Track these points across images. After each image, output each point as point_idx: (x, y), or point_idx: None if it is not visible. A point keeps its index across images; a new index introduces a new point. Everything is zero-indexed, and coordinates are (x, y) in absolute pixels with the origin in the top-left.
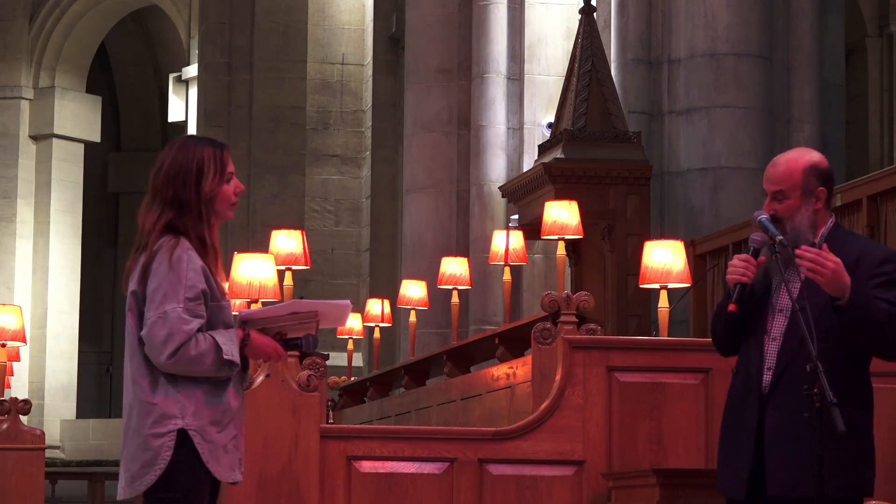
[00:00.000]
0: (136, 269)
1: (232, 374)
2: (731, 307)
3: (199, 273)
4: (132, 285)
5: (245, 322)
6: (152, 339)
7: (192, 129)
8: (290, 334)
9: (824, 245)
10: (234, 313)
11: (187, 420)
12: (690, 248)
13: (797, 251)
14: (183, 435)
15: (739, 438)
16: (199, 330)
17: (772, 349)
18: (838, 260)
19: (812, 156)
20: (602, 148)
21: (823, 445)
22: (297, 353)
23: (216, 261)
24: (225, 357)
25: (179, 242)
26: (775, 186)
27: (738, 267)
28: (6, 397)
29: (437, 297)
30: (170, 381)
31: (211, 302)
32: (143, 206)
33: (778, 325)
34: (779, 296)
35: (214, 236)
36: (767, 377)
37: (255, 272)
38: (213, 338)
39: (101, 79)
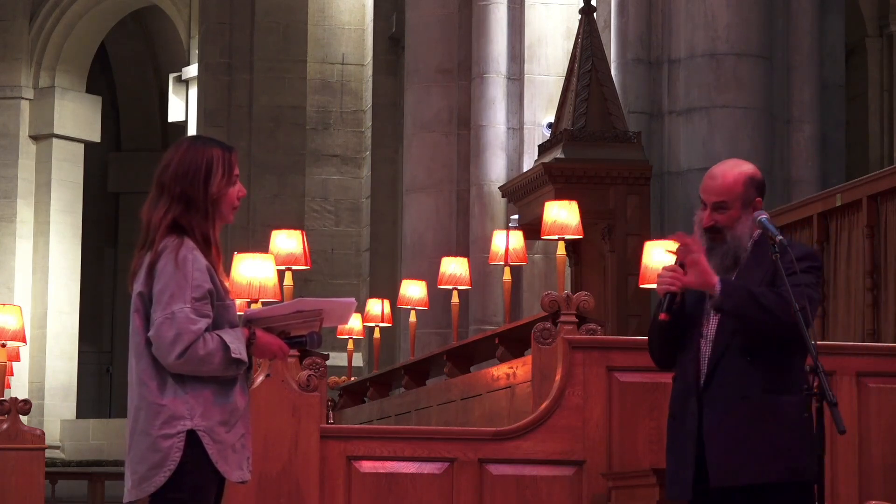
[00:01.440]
0: (142, 269)
1: (239, 372)
2: (662, 316)
3: (205, 272)
4: (138, 286)
5: (250, 321)
6: (160, 339)
7: (192, 129)
8: (295, 332)
9: (694, 237)
10: (238, 313)
11: (196, 421)
12: None
13: (659, 277)
14: (191, 435)
15: (682, 441)
16: (206, 329)
17: (707, 350)
18: (700, 257)
19: (748, 167)
20: (602, 148)
21: (755, 434)
22: (301, 349)
23: (219, 260)
24: (233, 356)
25: (184, 242)
26: (717, 197)
27: (666, 277)
28: (6, 397)
29: (437, 297)
30: (178, 382)
31: (216, 301)
32: (149, 203)
33: (711, 328)
34: (711, 302)
35: (217, 238)
36: (703, 377)
37: (255, 272)
38: (221, 337)
39: (101, 79)
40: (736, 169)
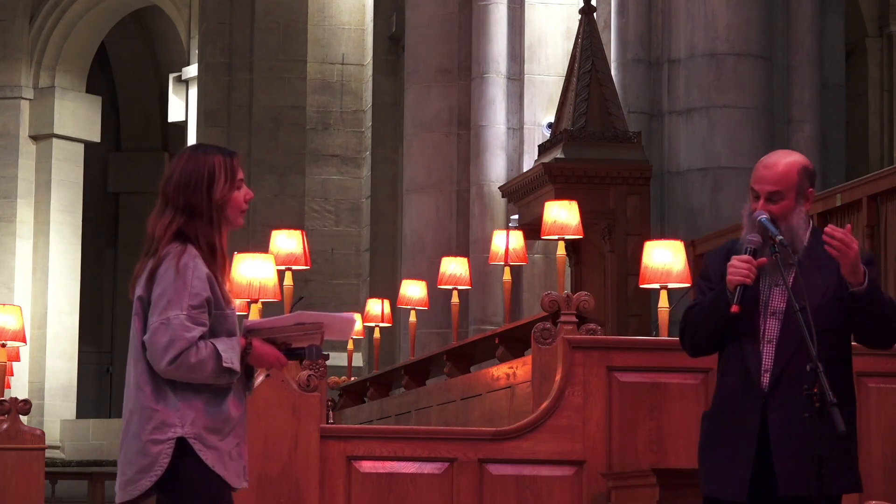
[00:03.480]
0: (144, 273)
1: (232, 382)
2: (734, 308)
3: (205, 281)
4: (138, 290)
5: (249, 331)
6: (154, 344)
7: (192, 129)
8: (295, 344)
9: (847, 226)
10: (242, 314)
11: (186, 429)
12: (690, 248)
13: (827, 228)
14: (184, 444)
15: (738, 439)
16: (202, 338)
17: (768, 351)
18: (858, 244)
19: (801, 157)
20: (602, 148)
21: (823, 445)
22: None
23: (224, 267)
24: (224, 365)
25: (187, 249)
26: (772, 187)
27: (741, 268)
28: (6, 397)
29: (437, 297)
30: (172, 389)
31: (215, 310)
32: (154, 214)
33: (772, 328)
34: (770, 298)
35: (224, 242)
36: (766, 379)
37: (255, 272)
38: (214, 346)
39: (101, 79)
40: (790, 158)
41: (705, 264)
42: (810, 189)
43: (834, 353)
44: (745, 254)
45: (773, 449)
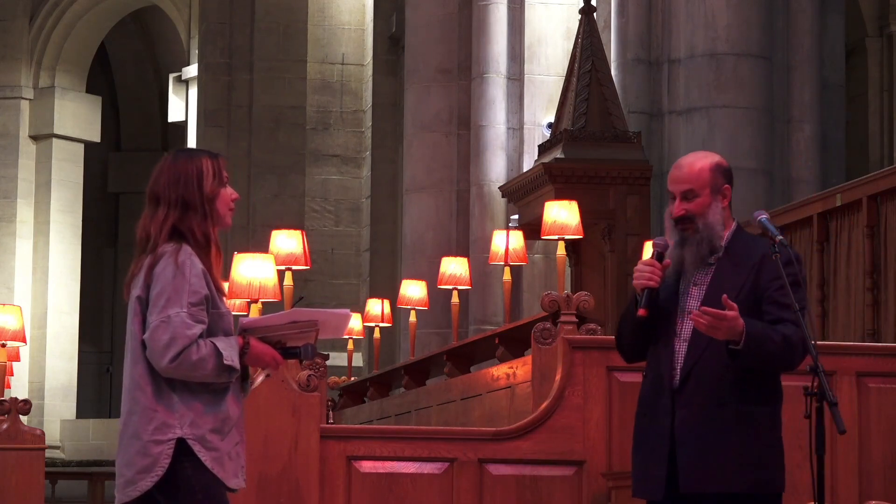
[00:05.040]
0: (141, 273)
1: (231, 380)
2: (641, 312)
3: (201, 278)
4: (137, 291)
5: (245, 330)
6: (154, 342)
7: (192, 129)
8: (290, 343)
9: (724, 296)
10: (236, 314)
11: (185, 430)
12: None
13: (694, 313)
14: (184, 445)
15: (653, 439)
16: (201, 336)
17: (682, 349)
18: (735, 312)
19: (714, 156)
20: (602, 148)
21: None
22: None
23: (218, 260)
24: (225, 362)
25: (182, 248)
26: (685, 185)
27: (645, 272)
28: (6, 397)
29: (437, 297)
30: (172, 389)
31: (211, 309)
32: (144, 217)
33: (688, 327)
34: (687, 299)
35: (216, 238)
36: (677, 377)
37: (255, 272)
38: (214, 343)
39: (101, 79)
40: (702, 158)
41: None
42: (726, 185)
43: None
44: (653, 257)
45: (677, 447)
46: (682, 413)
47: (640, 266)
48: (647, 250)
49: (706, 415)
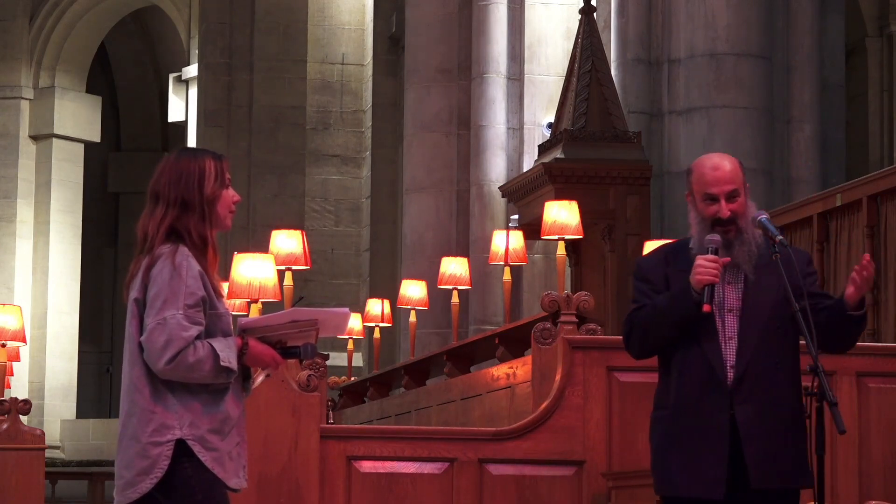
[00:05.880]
0: (138, 274)
1: (230, 381)
2: (706, 308)
3: (198, 280)
4: (134, 293)
5: (245, 330)
6: (151, 344)
7: (192, 129)
8: (290, 342)
9: (866, 255)
10: (235, 314)
11: (185, 431)
12: None
13: (865, 262)
14: (183, 446)
15: (706, 437)
16: (199, 337)
17: (730, 348)
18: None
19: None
20: (602, 148)
21: (789, 440)
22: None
23: (215, 262)
24: (222, 364)
25: (179, 249)
26: (730, 186)
27: (709, 268)
28: (6, 397)
29: (437, 297)
30: (170, 391)
31: (210, 310)
32: (145, 214)
33: (731, 325)
34: (725, 295)
35: (214, 240)
36: (731, 375)
37: (255, 272)
38: (212, 345)
39: (101, 79)
40: (727, 157)
41: (642, 268)
42: (748, 184)
43: (787, 352)
44: (710, 253)
45: (743, 443)
46: (743, 410)
47: (701, 262)
48: (647, 250)
49: (768, 412)
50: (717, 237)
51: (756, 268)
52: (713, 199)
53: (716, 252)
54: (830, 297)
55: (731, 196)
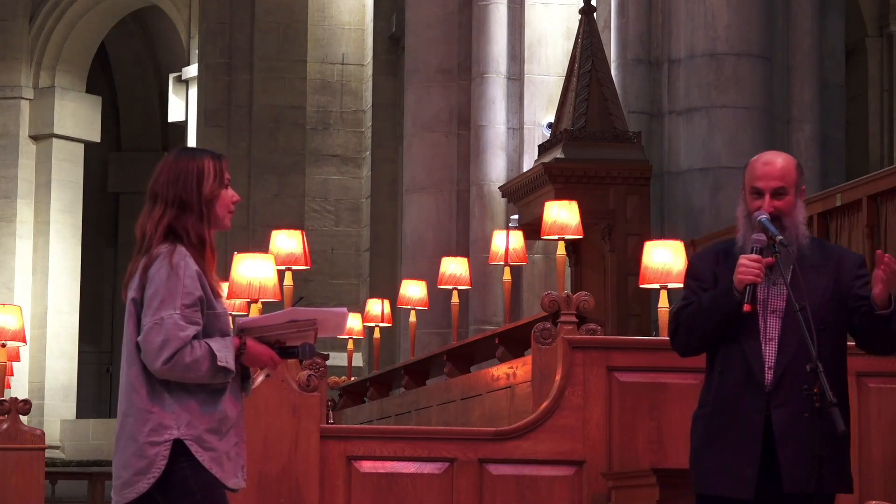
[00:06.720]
0: (136, 274)
1: (227, 381)
2: (747, 307)
3: (196, 280)
4: (132, 292)
5: (243, 330)
6: (148, 344)
7: (192, 129)
8: (288, 342)
9: (883, 253)
10: (235, 314)
11: (182, 430)
12: (690, 248)
13: (887, 259)
14: (181, 445)
15: (741, 437)
16: (196, 337)
17: (770, 349)
18: None
19: (792, 157)
20: (602, 148)
21: (824, 443)
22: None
23: (213, 262)
24: (220, 364)
25: (177, 249)
26: (777, 182)
27: (753, 267)
28: (6, 397)
29: (437, 297)
30: (167, 391)
31: (207, 310)
32: (143, 215)
33: (773, 326)
34: (769, 296)
35: (212, 240)
36: (769, 376)
37: (255, 272)
38: (209, 345)
39: (101, 79)
40: (785, 156)
41: (693, 265)
42: (803, 186)
43: (832, 353)
44: (753, 253)
45: (777, 445)
46: (780, 413)
47: (745, 262)
48: (648, 250)
49: (801, 417)
50: (762, 237)
51: (803, 269)
52: (759, 193)
53: (760, 252)
54: None
55: (778, 193)
